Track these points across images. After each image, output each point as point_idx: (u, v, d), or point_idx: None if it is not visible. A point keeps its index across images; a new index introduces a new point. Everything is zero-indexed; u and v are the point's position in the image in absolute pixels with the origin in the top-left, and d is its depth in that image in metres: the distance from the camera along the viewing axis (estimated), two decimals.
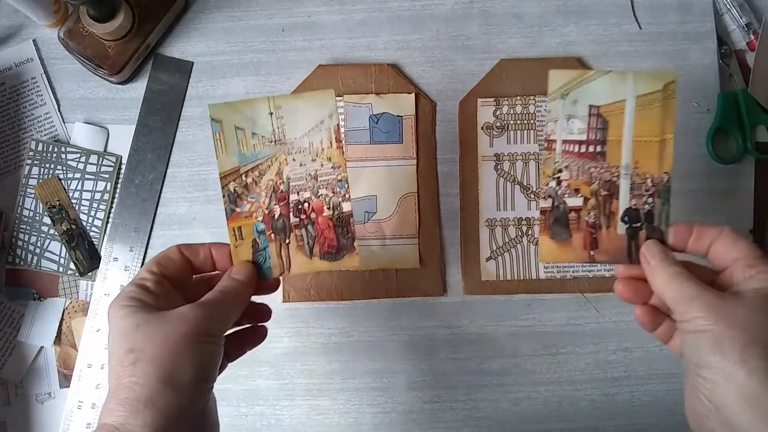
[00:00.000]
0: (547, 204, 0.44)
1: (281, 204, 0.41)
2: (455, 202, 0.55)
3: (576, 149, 0.44)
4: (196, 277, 0.41)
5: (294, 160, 0.41)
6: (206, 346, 0.35)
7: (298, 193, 0.41)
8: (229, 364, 0.43)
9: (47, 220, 0.54)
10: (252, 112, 0.40)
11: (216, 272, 0.41)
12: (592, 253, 0.44)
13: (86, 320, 0.54)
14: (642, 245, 0.43)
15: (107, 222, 0.55)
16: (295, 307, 0.54)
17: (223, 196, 0.40)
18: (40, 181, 0.54)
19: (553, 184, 0.45)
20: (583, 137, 0.44)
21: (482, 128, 0.55)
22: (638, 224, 0.44)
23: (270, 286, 0.42)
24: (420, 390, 0.54)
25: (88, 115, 0.56)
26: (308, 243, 0.41)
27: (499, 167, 0.55)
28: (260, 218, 0.41)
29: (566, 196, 0.44)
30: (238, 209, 0.40)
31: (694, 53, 0.56)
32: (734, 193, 0.55)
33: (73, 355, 0.54)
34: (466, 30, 0.56)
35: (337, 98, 0.55)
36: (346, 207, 0.41)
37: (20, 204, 0.55)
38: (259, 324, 0.43)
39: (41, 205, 0.54)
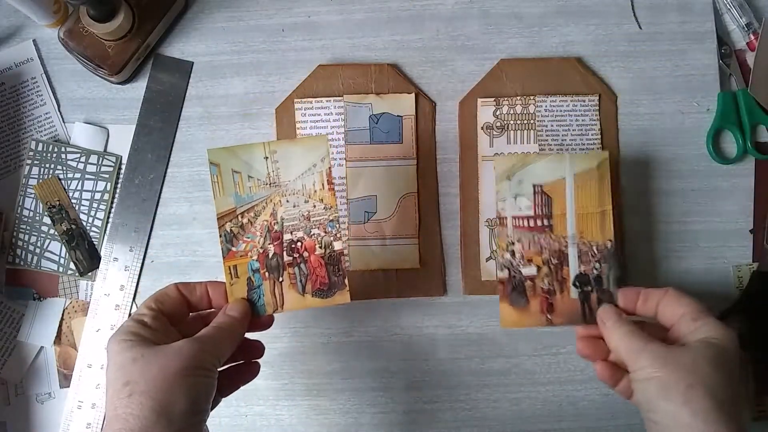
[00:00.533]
0: (504, 274, 0.48)
1: (275, 243, 0.43)
2: (455, 202, 0.55)
3: (526, 224, 0.49)
4: (193, 314, 0.43)
5: (288, 201, 0.43)
6: (200, 379, 0.36)
7: (291, 233, 0.43)
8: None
9: (47, 220, 0.54)
10: (248, 156, 0.43)
11: (212, 310, 0.43)
12: (549, 316, 0.48)
13: (86, 320, 0.54)
14: (596, 308, 0.47)
15: (107, 222, 0.55)
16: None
17: (220, 236, 0.42)
18: (40, 181, 0.54)
19: (507, 256, 0.48)
20: (531, 213, 0.49)
21: (482, 128, 0.55)
22: (589, 288, 0.48)
23: (263, 323, 0.44)
24: (420, 390, 0.54)
25: (88, 115, 0.56)
26: (301, 281, 0.43)
27: None
28: (255, 257, 0.43)
29: (521, 266, 0.48)
30: (234, 248, 0.43)
31: (694, 53, 0.56)
32: (734, 193, 0.55)
33: (73, 355, 0.54)
34: (466, 30, 0.56)
35: (337, 98, 0.55)
36: (338, 246, 0.44)
37: (20, 204, 0.55)
38: (252, 360, 0.44)
39: (41, 205, 0.54)
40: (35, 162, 0.55)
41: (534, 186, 0.49)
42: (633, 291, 0.45)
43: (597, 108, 0.55)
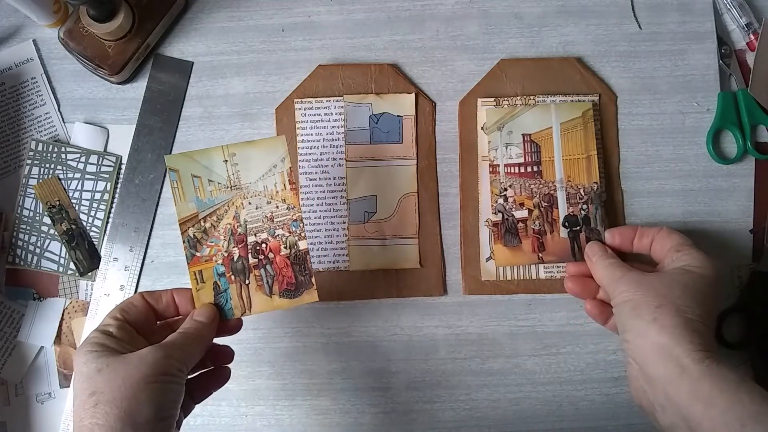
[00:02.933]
0: (497, 218, 0.52)
1: (240, 246, 0.43)
2: (455, 202, 0.55)
3: (517, 170, 0.53)
4: (161, 323, 0.43)
5: (250, 203, 0.43)
6: (165, 386, 0.36)
7: (255, 235, 0.43)
8: (230, 364, 0.45)
9: (47, 220, 0.54)
10: (207, 161, 0.43)
11: (179, 317, 0.42)
12: (540, 255, 0.52)
13: (86, 320, 0.54)
14: (584, 245, 0.51)
15: (107, 222, 0.55)
16: (295, 307, 0.54)
17: (183, 242, 0.42)
18: (40, 181, 0.54)
19: (501, 201, 0.53)
20: (521, 160, 0.53)
21: (482, 128, 0.55)
22: (577, 227, 0.52)
23: (232, 327, 0.44)
24: (420, 390, 0.54)
25: (88, 115, 0.56)
26: (267, 282, 0.43)
27: None
28: (220, 261, 0.42)
29: (513, 209, 0.52)
30: (198, 254, 0.43)
31: (694, 53, 0.56)
32: (734, 193, 0.55)
33: (73, 355, 0.54)
34: (466, 30, 0.56)
35: (337, 98, 0.55)
36: (302, 245, 0.44)
37: (20, 204, 0.55)
38: (223, 366, 0.44)
39: (41, 205, 0.54)
40: (35, 162, 0.55)
41: (523, 135, 0.53)
42: (630, 228, 0.48)
43: (597, 108, 0.55)
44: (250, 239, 0.43)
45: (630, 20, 0.56)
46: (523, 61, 0.56)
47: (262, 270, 0.43)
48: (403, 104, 0.55)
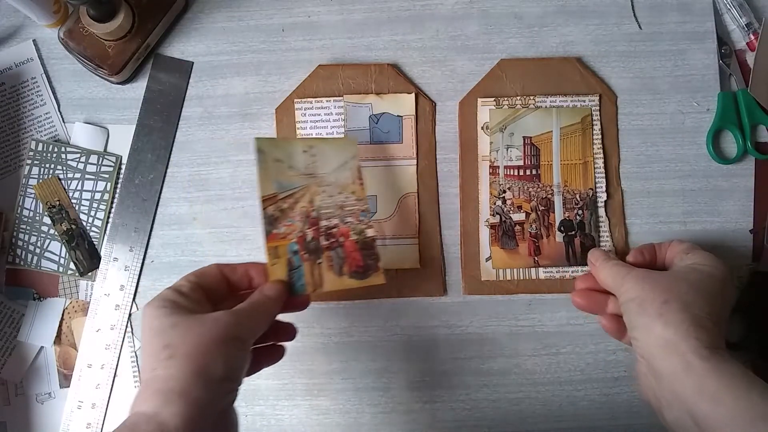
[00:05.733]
0: (495, 220, 0.53)
1: (313, 228, 0.46)
2: (455, 202, 0.55)
3: (516, 173, 0.54)
4: (231, 294, 0.44)
5: (324, 191, 0.47)
6: (235, 350, 0.37)
7: (328, 220, 0.46)
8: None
9: (47, 220, 0.54)
10: (290, 148, 0.47)
11: (250, 290, 0.43)
12: (536, 258, 0.53)
13: (86, 320, 0.54)
14: (579, 251, 0.52)
15: (107, 222, 0.55)
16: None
17: (263, 218, 0.44)
18: (40, 181, 0.54)
19: (499, 203, 0.53)
20: (521, 163, 0.54)
21: (482, 128, 0.55)
22: (573, 232, 0.53)
23: (300, 303, 0.45)
24: (420, 390, 0.54)
25: (88, 115, 0.56)
26: (338, 263, 0.46)
27: None
28: (294, 239, 0.45)
29: (511, 212, 0.53)
30: (275, 231, 0.44)
31: (694, 53, 0.56)
32: (734, 193, 0.55)
33: (73, 355, 0.54)
34: (466, 30, 0.56)
35: (337, 98, 0.55)
36: (370, 233, 0.47)
37: (20, 204, 0.55)
38: (279, 343, 0.45)
39: (41, 205, 0.54)
40: (35, 162, 0.55)
41: (524, 138, 0.54)
42: (649, 244, 0.48)
43: (597, 108, 0.55)
44: (323, 223, 0.46)
45: (630, 20, 0.56)
46: (523, 61, 0.56)
47: (333, 252, 0.46)
48: (403, 104, 0.55)
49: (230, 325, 0.37)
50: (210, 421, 0.36)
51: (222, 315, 0.38)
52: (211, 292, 0.41)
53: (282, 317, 0.43)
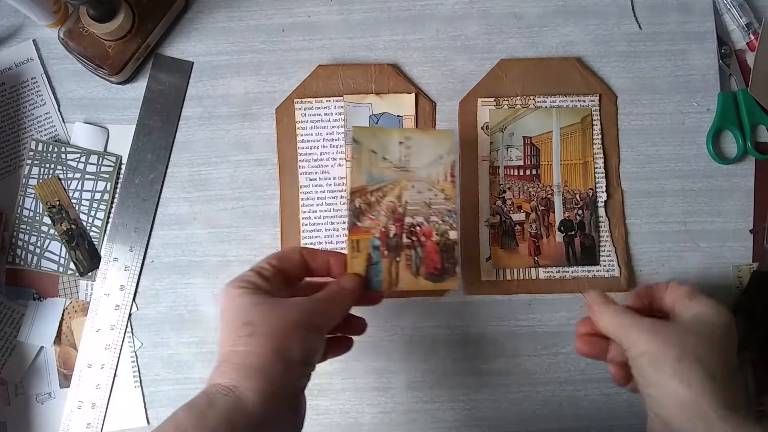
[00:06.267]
0: (495, 220, 0.53)
1: (397, 224, 0.45)
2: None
3: (516, 173, 0.54)
4: (306, 281, 0.45)
5: (413, 187, 0.46)
6: (312, 335, 0.38)
7: (412, 217, 0.46)
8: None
9: (47, 220, 0.54)
10: (386, 138, 0.46)
11: (326, 279, 0.44)
12: (536, 258, 0.53)
13: (86, 320, 0.54)
14: (579, 251, 0.52)
15: (107, 222, 0.55)
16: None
17: (349, 210, 0.45)
18: (40, 181, 0.54)
19: (499, 203, 0.53)
20: (521, 163, 0.54)
21: (482, 128, 0.55)
22: (573, 232, 0.53)
23: (374, 298, 0.45)
24: (420, 390, 0.54)
25: (88, 115, 0.56)
26: (416, 263, 0.45)
27: None
28: (377, 234, 0.45)
29: (511, 212, 0.53)
30: (359, 224, 0.45)
31: (694, 53, 0.56)
32: (734, 193, 0.55)
33: (73, 355, 0.54)
34: (466, 30, 0.56)
35: (337, 98, 0.55)
36: (453, 235, 0.46)
37: (20, 204, 0.55)
38: (348, 336, 0.46)
39: (41, 205, 0.54)
40: (35, 162, 0.55)
41: (524, 138, 0.54)
42: (646, 286, 0.46)
43: (597, 108, 0.55)
44: (407, 220, 0.45)
45: (630, 20, 0.56)
46: (523, 61, 0.56)
47: (413, 251, 0.45)
48: (403, 104, 0.55)
49: (309, 311, 0.38)
50: (284, 400, 0.37)
51: (302, 301, 0.39)
52: (290, 276, 0.42)
53: (353, 311, 0.44)
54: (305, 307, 0.38)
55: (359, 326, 0.46)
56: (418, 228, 0.46)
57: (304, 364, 0.38)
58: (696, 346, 0.38)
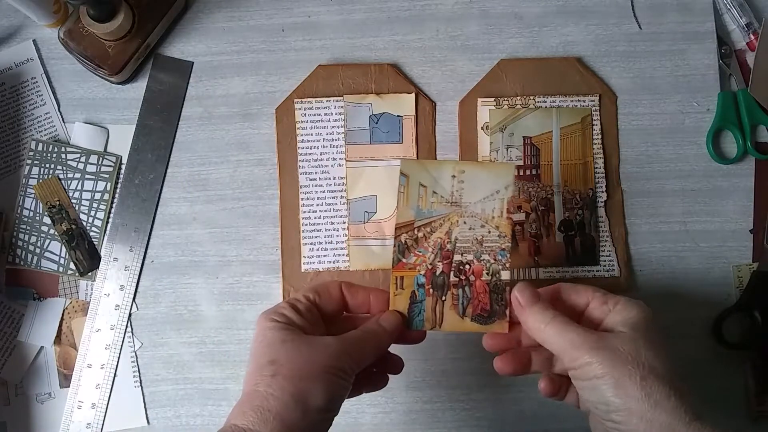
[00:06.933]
0: None
1: (445, 262, 0.43)
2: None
3: (516, 173, 0.53)
4: (345, 315, 0.43)
5: (465, 223, 0.43)
6: (338, 379, 0.37)
7: (462, 254, 0.43)
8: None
9: (47, 220, 0.54)
10: (437, 172, 0.43)
11: (366, 315, 0.43)
12: (536, 258, 0.53)
13: (86, 320, 0.54)
14: (579, 251, 0.50)
15: (107, 222, 0.55)
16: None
17: (394, 246, 0.43)
18: (40, 181, 0.54)
19: None
20: (521, 163, 0.54)
21: (482, 128, 0.55)
22: (573, 232, 0.53)
23: (415, 338, 0.43)
24: (420, 390, 0.54)
25: (88, 115, 0.56)
26: (463, 303, 0.43)
27: None
28: (423, 272, 0.43)
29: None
30: (404, 260, 0.43)
31: (694, 53, 0.56)
32: (734, 193, 0.55)
33: (73, 355, 0.54)
34: (466, 30, 0.56)
35: (337, 98, 0.55)
36: (505, 275, 0.43)
37: (20, 204, 0.55)
38: (385, 373, 0.44)
39: (41, 205, 0.54)
40: (35, 162, 0.55)
41: (524, 138, 0.53)
42: (530, 291, 0.41)
43: (597, 108, 0.55)
44: (456, 257, 0.43)
45: (630, 20, 0.56)
46: (523, 61, 0.56)
47: (461, 290, 0.43)
48: (403, 104, 0.55)
49: (338, 353, 0.37)
50: None
51: (333, 342, 0.37)
52: (326, 312, 0.41)
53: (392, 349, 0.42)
54: (335, 348, 0.37)
55: (396, 365, 0.44)
56: (467, 266, 0.43)
57: (326, 411, 0.36)
58: (651, 359, 0.36)
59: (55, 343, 0.54)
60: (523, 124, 0.54)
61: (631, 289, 0.54)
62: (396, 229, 0.43)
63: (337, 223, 0.54)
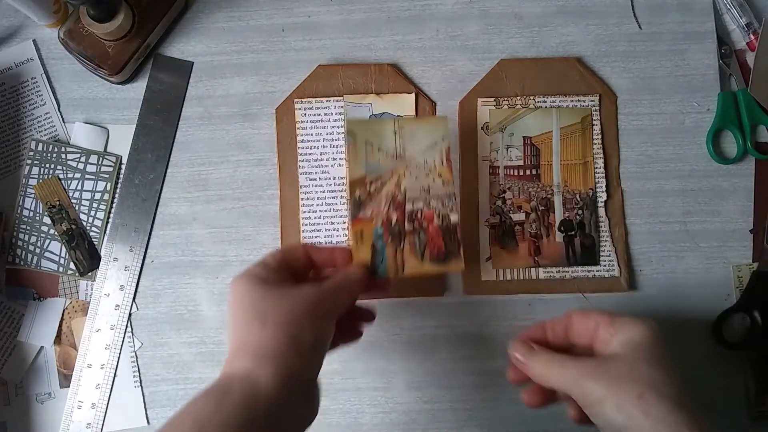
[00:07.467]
0: (495, 220, 0.54)
1: (398, 212, 0.46)
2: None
3: (516, 173, 0.54)
4: (313, 274, 0.45)
5: (411, 174, 0.47)
6: (322, 321, 0.39)
7: (412, 203, 0.46)
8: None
9: (47, 220, 0.54)
10: (380, 129, 0.47)
11: (332, 272, 0.45)
12: (536, 258, 0.53)
13: (86, 320, 0.54)
14: (579, 251, 0.52)
15: (107, 222, 0.55)
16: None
17: (350, 202, 0.45)
18: (40, 181, 0.54)
19: (499, 203, 0.54)
20: (521, 163, 0.54)
21: (482, 128, 0.55)
22: (573, 232, 0.53)
23: (382, 286, 0.46)
24: (420, 390, 0.54)
25: (88, 115, 0.56)
26: (420, 247, 0.46)
27: None
28: (380, 223, 0.46)
29: (511, 212, 0.53)
30: (360, 214, 0.45)
31: (694, 53, 0.56)
32: (734, 193, 0.55)
33: (73, 355, 0.54)
34: (466, 30, 0.56)
35: (337, 98, 0.55)
36: (453, 218, 0.47)
37: (20, 204, 0.55)
38: (358, 323, 0.46)
39: (41, 205, 0.54)
40: (35, 162, 0.55)
41: (524, 138, 0.54)
42: (538, 327, 0.44)
43: (597, 108, 0.55)
44: (408, 207, 0.46)
45: (630, 20, 0.56)
46: (523, 61, 0.56)
47: (416, 236, 0.46)
48: (403, 104, 0.55)
49: (317, 299, 0.39)
50: (298, 387, 0.37)
51: (309, 289, 0.39)
52: (294, 270, 0.42)
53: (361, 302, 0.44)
54: (313, 295, 0.39)
55: (367, 316, 0.46)
56: (419, 213, 0.46)
57: (316, 350, 0.38)
58: (651, 378, 0.37)
59: (55, 343, 0.54)
60: (523, 124, 0.54)
61: (631, 289, 0.54)
62: (350, 185, 0.45)
63: (337, 223, 0.54)
